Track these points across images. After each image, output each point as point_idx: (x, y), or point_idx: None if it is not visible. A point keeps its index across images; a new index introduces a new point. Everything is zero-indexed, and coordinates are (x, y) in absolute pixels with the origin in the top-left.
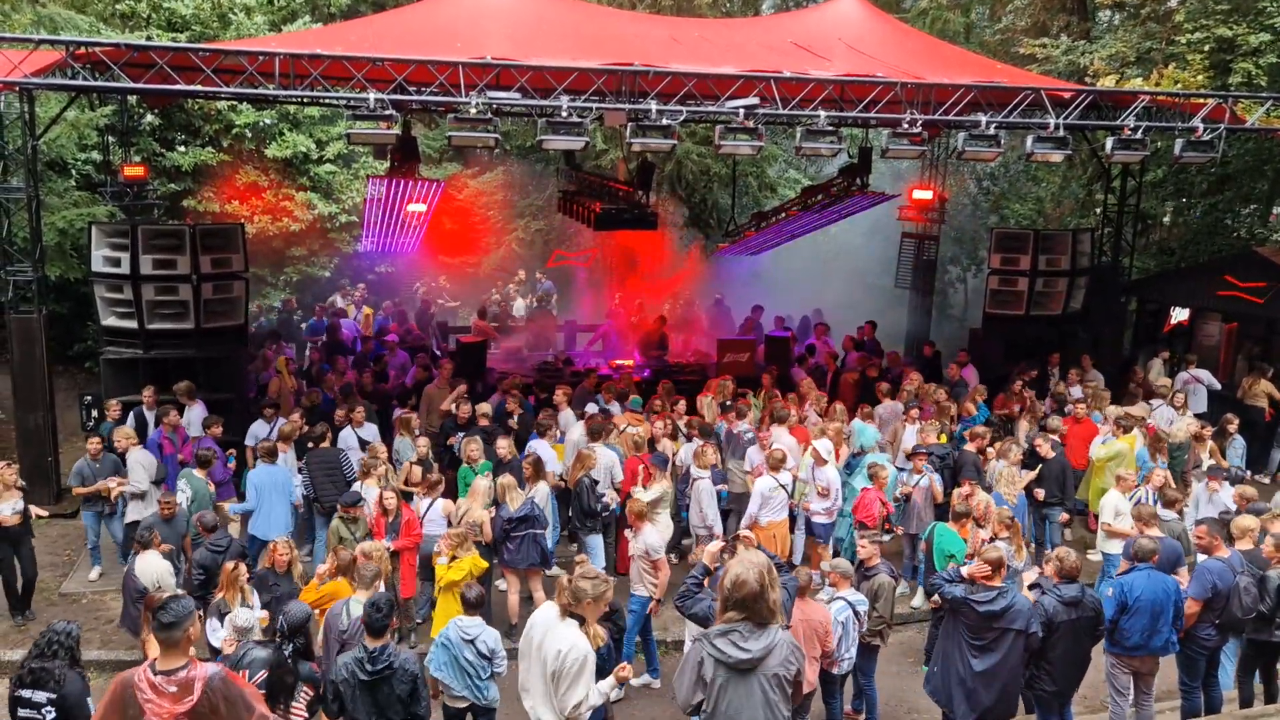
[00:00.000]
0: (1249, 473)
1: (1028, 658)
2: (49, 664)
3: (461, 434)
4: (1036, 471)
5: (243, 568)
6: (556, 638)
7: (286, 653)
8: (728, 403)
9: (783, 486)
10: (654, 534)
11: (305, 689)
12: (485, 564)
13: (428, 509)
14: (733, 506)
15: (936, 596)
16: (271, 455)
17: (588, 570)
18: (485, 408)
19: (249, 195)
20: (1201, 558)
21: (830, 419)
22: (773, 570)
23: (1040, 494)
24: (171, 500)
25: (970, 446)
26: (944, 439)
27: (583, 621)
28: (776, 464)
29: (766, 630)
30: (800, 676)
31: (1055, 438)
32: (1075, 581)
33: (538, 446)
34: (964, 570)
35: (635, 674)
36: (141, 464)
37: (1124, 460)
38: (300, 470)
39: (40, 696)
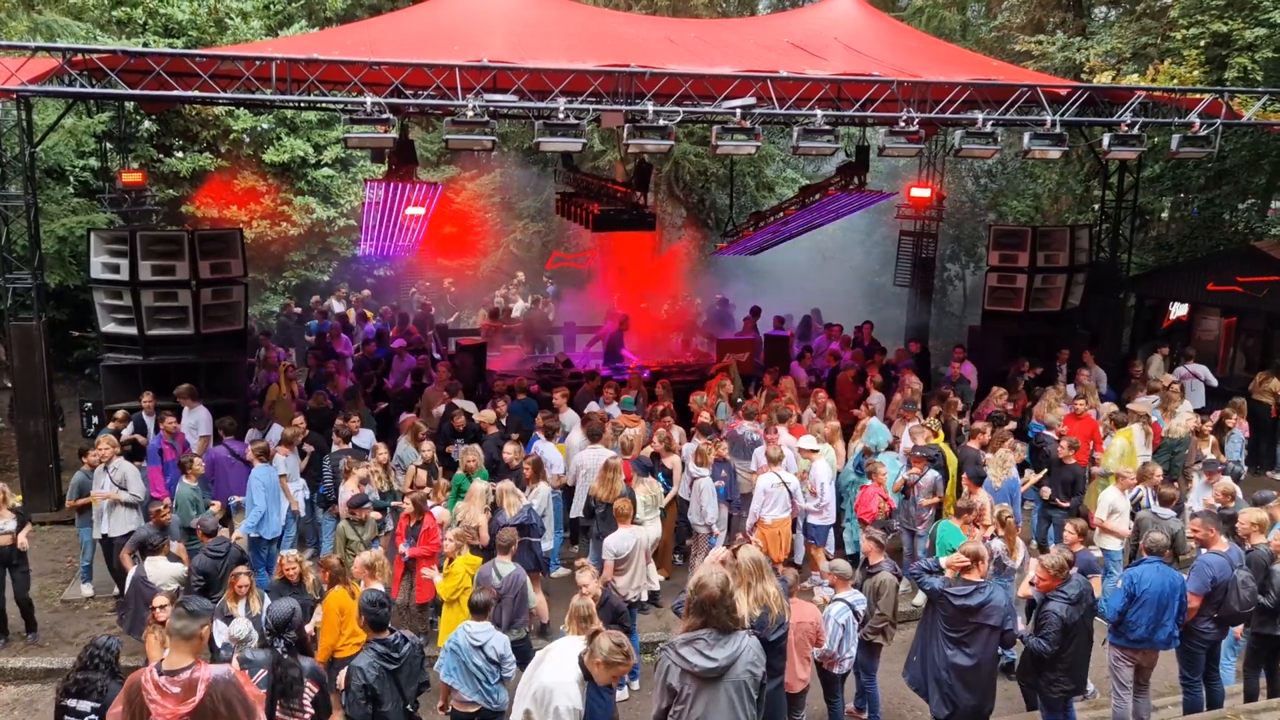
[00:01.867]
0: (1246, 469)
1: (1037, 664)
2: (92, 675)
3: (461, 440)
4: (1044, 472)
5: (244, 574)
6: (551, 660)
7: (279, 649)
8: (723, 403)
9: (785, 483)
10: (622, 539)
11: (310, 685)
12: (479, 559)
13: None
14: (738, 506)
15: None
16: (266, 455)
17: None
18: (490, 414)
19: (247, 200)
20: (1202, 551)
21: (828, 418)
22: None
23: (1047, 492)
24: (161, 509)
25: (972, 443)
26: (939, 436)
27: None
28: (775, 460)
29: (732, 636)
30: (765, 678)
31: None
32: (1070, 578)
33: (544, 448)
34: (942, 561)
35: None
36: (137, 475)
37: (1124, 458)
38: (322, 473)
39: (85, 706)
